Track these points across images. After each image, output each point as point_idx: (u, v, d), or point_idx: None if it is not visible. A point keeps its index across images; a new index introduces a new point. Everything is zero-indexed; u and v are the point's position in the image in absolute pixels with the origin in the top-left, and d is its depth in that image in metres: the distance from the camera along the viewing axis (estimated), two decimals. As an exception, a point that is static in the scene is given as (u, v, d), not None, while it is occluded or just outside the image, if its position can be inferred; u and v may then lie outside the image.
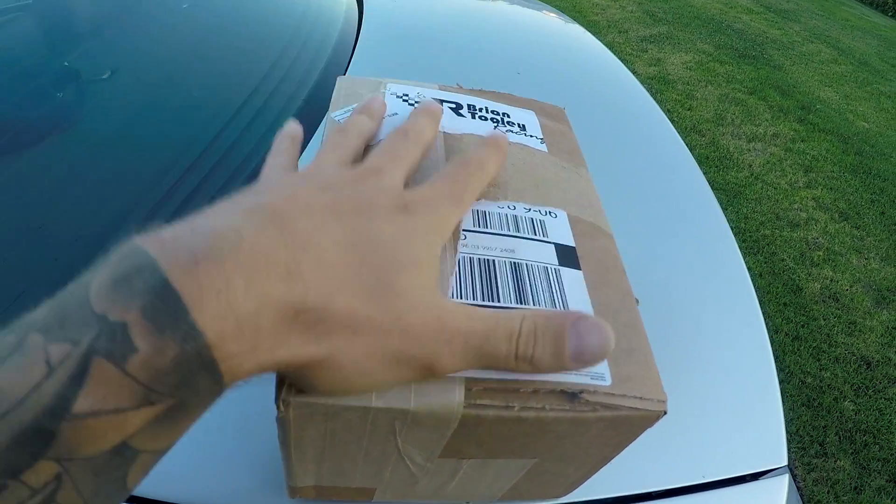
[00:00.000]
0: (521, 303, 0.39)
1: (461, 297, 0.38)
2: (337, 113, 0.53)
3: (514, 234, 0.44)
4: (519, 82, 1.18)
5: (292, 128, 0.45)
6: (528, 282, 0.41)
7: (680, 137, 1.19)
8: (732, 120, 3.79)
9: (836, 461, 1.93)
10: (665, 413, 0.38)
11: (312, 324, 0.29)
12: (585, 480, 0.51)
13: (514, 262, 0.42)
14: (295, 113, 0.97)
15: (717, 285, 0.87)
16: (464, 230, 0.43)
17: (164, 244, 0.27)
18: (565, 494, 0.55)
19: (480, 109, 0.57)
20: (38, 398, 0.25)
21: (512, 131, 0.55)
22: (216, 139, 0.88)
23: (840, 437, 2.00)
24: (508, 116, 0.57)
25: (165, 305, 0.25)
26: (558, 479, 0.50)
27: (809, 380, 2.17)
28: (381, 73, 0.59)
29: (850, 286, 2.61)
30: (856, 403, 2.12)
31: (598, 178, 0.55)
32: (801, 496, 1.81)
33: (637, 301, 0.45)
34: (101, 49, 1.06)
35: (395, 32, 1.31)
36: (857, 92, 4.65)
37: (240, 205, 0.30)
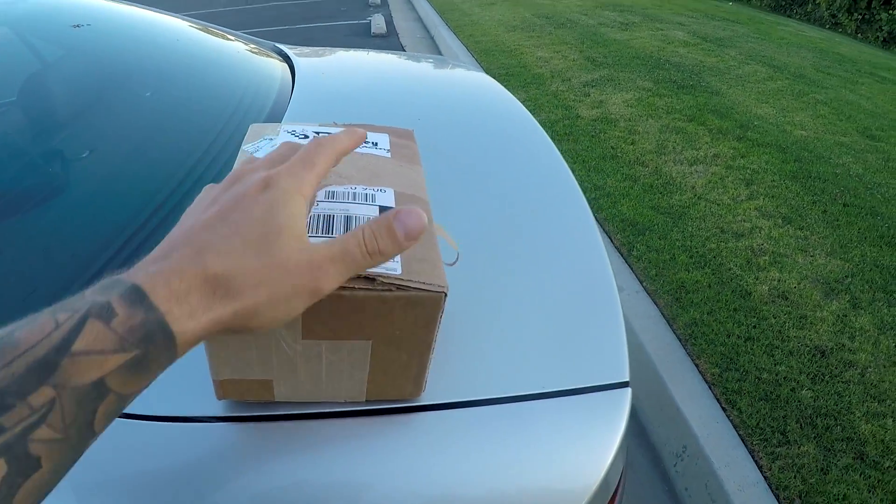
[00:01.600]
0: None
1: (317, 234, 0.60)
2: (247, 146, 0.77)
3: (352, 202, 0.66)
4: (418, 126, 1.37)
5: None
6: (353, 225, 0.62)
7: (559, 154, 1.35)
8: (674, 148, 3.94)
9: (799, 447, 2.00)
10: (445, 295, 0.58)
11: (226, 292, 0.46)
12: (423, 373, 0.68)
13: (347, 216, 0.64)
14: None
15: (569, 240, 1.06)
16: (318, 201, 0.65)
17: (129, 273, 0.44)
18: (418, 391, 0.71)
19: None
20: (49, 341, 0.39)
21: (366, 147, 0.78)
22: (172, 195, 1.07)
23: (801, 424, 2.07)
24: (365, 138, 0.77)
25: (134, 293, 0.42)
26: (400, 370, 0.67)
27: (765, 375, 2.25)
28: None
29: (798, 283, 2.72)
30: (813, 391, 2.20)
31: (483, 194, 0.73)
32: (769, 484, 1.90)
33: (458, 255, 0.73)
34: (81, 131, 1.26)
35: (320, 100, 1.52)
36: (794, 104, 4.82)
37: (169, 238, 0.48)
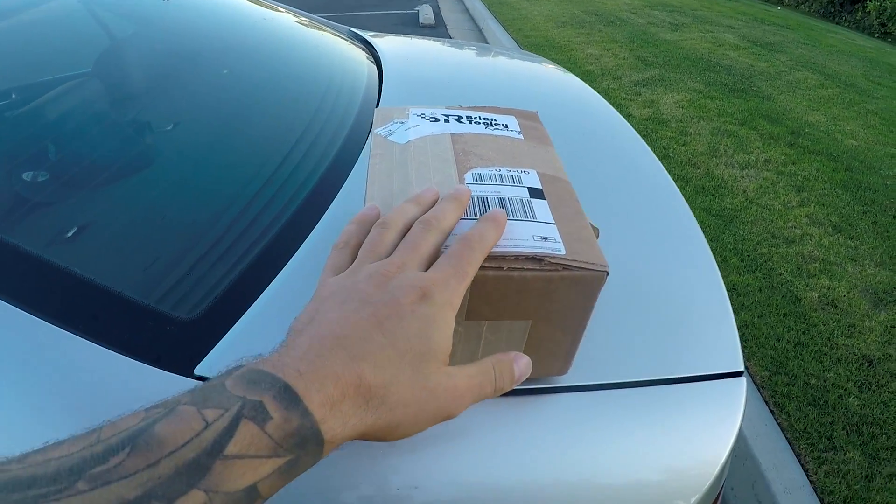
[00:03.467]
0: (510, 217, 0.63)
1: (466, 217, 0.62)
2: (380, 130, 0.80)
3: (500, 183, 0.69)
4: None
5: (341, 240, 0.61)
6: (508, 207, 0.65)
7: (660, 163, 1.39)
8: (725, 150, 3.97)
9: (845, 453, 2.03)
10: (607, 274, 0.60)
11: (377, 405, 0.46)
12: (574, 350, 0.71)
13: (500, 197, 0.66)
14: (331, 162, 1.15)
15: (671, 233, 1.10)
16: (468, 184, 0.68)
17: (275, 365, 0.44)
18: (567, 368, 0.74)
19: (475, 118, 0.83)
20: (199, 442, 0.38)
21: (498, 129, 0.81)
22: (264, 184, 1.07)
23: (847, 431, 2.10)
24: (495, 121, 0.84)
25: (288, 395, 0.42)
26: (553, 347, 0.70)
27: (813, 381, 2.29)
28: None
29: (848, 292, 2.75)
30: (860, 399, 2.23)
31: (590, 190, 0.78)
32: (814, 488, 1.94)
33: (596, 229, 0.71)
34: (165, 105, 1.29)
35: (410, 87, 1.54)
36: (845, 113, 4.82)
37: (314, 334, 0.47)
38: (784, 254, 2.98)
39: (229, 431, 0.39)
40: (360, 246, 0.58)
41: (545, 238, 0.60)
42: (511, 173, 0.71)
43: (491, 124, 0.83)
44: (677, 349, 0.84)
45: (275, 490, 0.42)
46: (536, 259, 0.58)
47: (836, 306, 2.67)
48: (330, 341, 0.46)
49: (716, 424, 0.78)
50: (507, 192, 0.67)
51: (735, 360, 0.84)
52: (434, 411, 0.50)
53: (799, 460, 2.01)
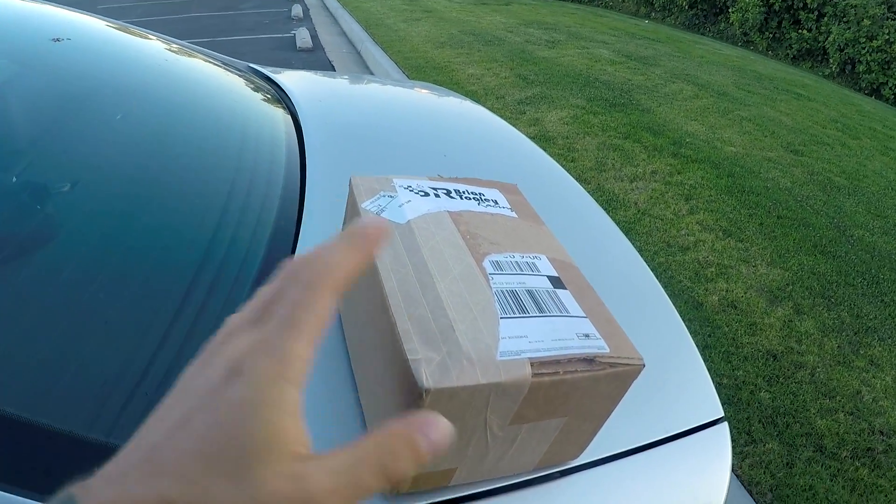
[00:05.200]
0: (541, 313, 0.63)
1: (506, 314, 0.61)
2: (366, 203, 0.74)
3: (519, 272, 0.68)
4: (446, 163, 1.39)
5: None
6: (539, 300, 0.64)
7: (576, 181, 1.39)
8: (613, 164, 4.06)
9: (764, 445, 2.13)
10: (644, 366, 0.61)
11: None
12: (593, 438, 0.71)
13: (528, 289, 0.66)
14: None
15: (631, 289, 1.11)
16: (490, 274, 0.67)
17: (92, 486, 0.34)
18: (580, 453, 0.74)
19: (463, 193, 0.82)
20: None
21: (489, 206, 0.80)
22: (182, 276, 0.92)
23: (764, 424, 2.21)
24: (483, 195, 0.83)
25: None
26: (578, 438, 0.70)
27: (725, 380, 2.38)
28: (333, 173, 0.81)
29: (745, 292, 2.86)
30: (770, 392, 2.34)
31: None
32: (741, 481, 1.99)
33: None
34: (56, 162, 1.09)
35: (333, 136, 1.45)
36: (721, 121, 5.03)
37: (136, 436, 0.36)
38: (681, 261, 3.06)
39: None
40: None
41: (587, 335, 0.61)
42: (525, 260, 0.71)
43: (482, 200, 0.82)
44: (662, 410, 0.86)
45: None
46: (587, 360, 0.58)
47: (736, 307, 2.77)
48: (142, 450, 0.35)
49: (710, 472, 0.80)
50: (531, 282, 0.67)
51: (714, 407, 0.87)
52: None
53: (725, 416, 2.07)
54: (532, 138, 4.36)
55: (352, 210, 0.76)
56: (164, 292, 0.88)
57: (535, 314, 0.62)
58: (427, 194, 0.79)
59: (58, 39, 1.54)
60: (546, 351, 0.56)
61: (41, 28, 1.57)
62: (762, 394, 2.34)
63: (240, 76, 1.77)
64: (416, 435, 0.36)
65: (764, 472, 2.03)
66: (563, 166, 3.85)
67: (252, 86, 1.73)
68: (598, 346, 0.60)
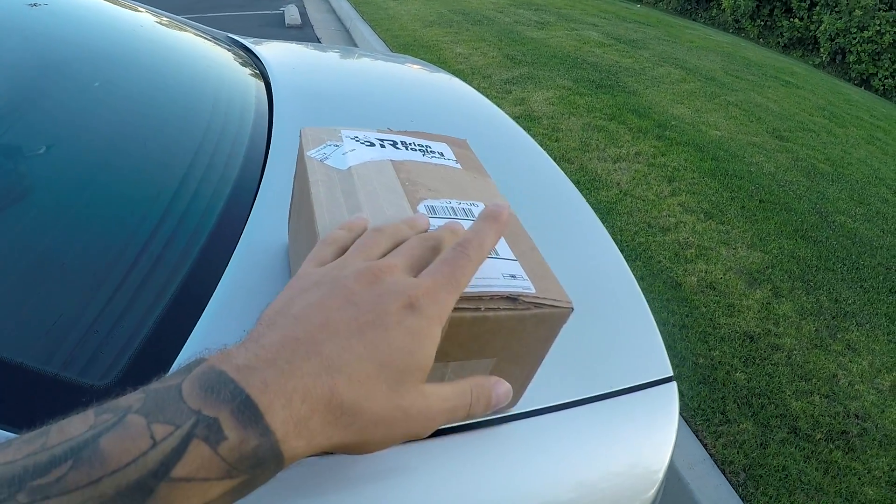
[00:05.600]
0: None
1: None
2: (311, 152, 0.74)
3: (454, 216, 0.66)
4: (412, 128, 1.37)
5: (329, 237, 0.56)
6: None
7: (551, 160, 1.37)
8: (597, 145, 4.04)
9: (738, 425, 2.12)
10: (572, 310, 0.59)
11: (348, 423, 0.41)
12: (527, 385, 0.70)
13: None
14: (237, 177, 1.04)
15: (584, 248, 1.09)
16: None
17: (239, 369, 0.39)
18: (515, 402, 0.72)
19: (410, 144, 0.80)
20: (145, 462, 0.34)
21: (434, 157, 0.79)
22: (158, 222, 0.93)
23: (738, 404, 2.20)
24: (430, 148, 0.81)
25: (248, 411, 0.37)
26: (511, 382, 0.67)
27: (701, 360, 2.37)
28: (297, 133, 0.79)
29: (724, 274, 2.85)
30: (746, 373, 2.34)
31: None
32: (715, 461, 1.99)
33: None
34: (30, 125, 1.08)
35: (302, 100, 1.44)
36: (707, 105, 5.01)
37: (287, 334, 0.42)
38: (661, 242, 3.04)
39: (178, 452, 0.35)
40: (348, 248, 0.54)
41: (514, 276, 0.59)
42: (462, 206, 0.70)
43: (427, 151, 0.80)
44: (608, 364, 0.84)
45: None
46: (511, 298, 0.57)
47: (715, 288, 2.76)
48: (305, 346, 0.41)
49: (655, 430, 0.78)
50: (464, 226, 0.65)
51: (663, 366, 0.85)
52: (404, 431, 0.45)
53: (696, 436, 2.09)
54: (517, 118, 4.37)
55: (300, 159, 0.76)
56: (129, 234, 0.91)
57: None
58: (373, 144, 0.78)
59: (35, 4, 1.51)
60: (468, 288, 0.53)
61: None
62: (738, 374, 2.33)
63: (216, 44, 1.76)
64: (493, 390, 0.52)
65: (737, 452, 2.02)
66: (546, 146, 3.86)
67: (228, 54, 1.71)
68: (523, 286, 0.58)
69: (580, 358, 0.83)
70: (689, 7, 11.21)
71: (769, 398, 2.24)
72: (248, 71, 1.59)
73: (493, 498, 0.69)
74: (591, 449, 0.74)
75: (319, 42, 7.01)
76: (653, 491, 0.74)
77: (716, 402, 2.21)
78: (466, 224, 0.64)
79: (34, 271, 0.81)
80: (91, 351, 0.72)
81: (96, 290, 0.80)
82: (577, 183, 3.48)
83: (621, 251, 2.70)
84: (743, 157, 4.05)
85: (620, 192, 3.49)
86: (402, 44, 6.52)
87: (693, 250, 2.99)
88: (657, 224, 3.19)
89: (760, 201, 3.50)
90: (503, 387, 0.52)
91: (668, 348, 2.36)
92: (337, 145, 0.77)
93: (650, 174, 3.70)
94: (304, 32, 7.59)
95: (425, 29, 7.15)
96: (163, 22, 1.80)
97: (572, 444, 0.74)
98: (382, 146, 0.78)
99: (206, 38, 1.79)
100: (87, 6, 1.68)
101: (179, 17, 1.96)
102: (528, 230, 0.98)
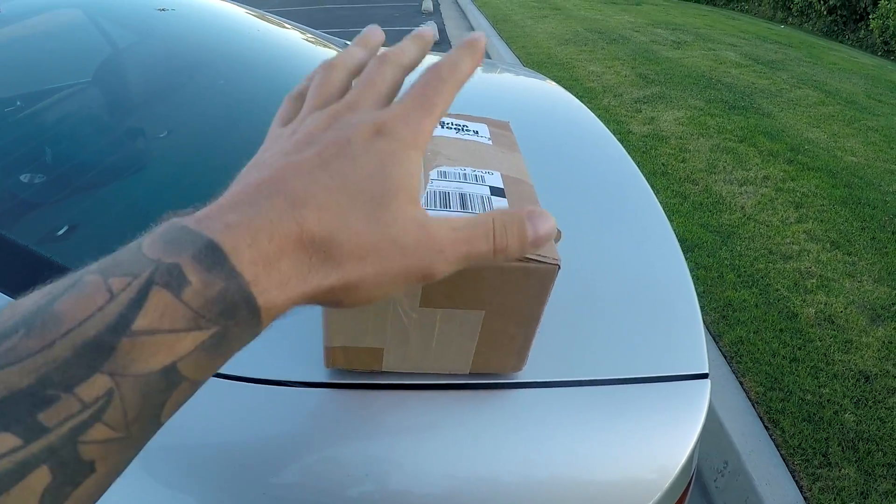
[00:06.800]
0: (464, 209, 0.65)
1: (435, 208, 0.64)
2: None
3: (463, 181, 0.70)
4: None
5: (294, 90, 0.51)
6: (469, 203, 0.66)
7: (628, 156, 1.41)
8: (724, 167, 3.98)
9: (840, 469, 2.02)
10: (559, 267, 0.62)
11: (325, 259, 0.37)
12: (528, 346, 0.73)
13: (461, 193, 0.68)
14: None
15: (647, 239, 1.13)
16: (431, 179, 0.70)
17: (199, 220, 0.35)
18: (521, 366, 0.76)
19: (447, 123, 0.85)
20: (102, 317, 0.31)
21: (468, 134, 0.83)
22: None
23: (843, 447, 2.10)
24: (466, 127, 0.86)
25: (210, 253, 0.33)
26: (507, 342, 0.72)
27: (809, 397, 2.28)
28: None
29: (845, 308, 2.74)
30: (856, 415, 2.22)
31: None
32: (803, 497, 1.93)
33: (559, 232, 0.72)
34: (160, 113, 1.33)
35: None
36: (845, 130, 4.82)
37: (249, 181, 0.39)
38: (781, 269, 2.97)
39: (137, 302, 0.32)
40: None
41: None
42: (475, 173, 0.73)
43: (462, 130, 0.85)
44: (644, 350, 0.86)
45: (203, 371, 0.35)
46: None
47: (833, 322, 2.67)
48: (266, 187, 0.38)
49: (677, 425, 0.78)
50: (469, 189, 0.69)
51: (700, 362, 0.85)
52: (402, 268, 0.40)
53: (793, 476, 2.01)
54: (644, 137, 4.38)
55: None
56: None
57: (455, 210, 0.65)
58: None
59: (163, 9, 1.68)
60: None
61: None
62: (847, 415, 2.23)
63: (330, 48, 1.93)
64: (527, 220, 0.44)
65: (834, 499, 1.94)
66: (672, 166, 3.87)
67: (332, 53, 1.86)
68: None
69: (616, 339, 0.87)
70: (836, 28, 10.78)
71: (878, 444, 2.12)
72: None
73: (496, 458, 0.73)
74: (605, 430, 0.76)
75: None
76: (664, 487, 0.74)
77: (819, 442, 2.12)
78: (472, 187, 0.69)
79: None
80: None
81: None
82: (700, 205, 3.49)
83: (738, 276, 2.69)
84: (879, 185, 3.89)
85: (744, 215, 3.43)
86: (536, 61, 6.57)
87: (814, 280, 2.91)
88: (779, 251, 3.12)
89: (894, 232, 3.35)
90: (542, 217, 0.44)
91: (775, 381, 2.35)
92: None
93: (777, 199, 3.61)
94: (439, 48, 7.71)
95: (560, 47, 7.17)
96: (274, 24, 1.99)
97: (584, 424, 0.76)
98: None
99: (320, 43, 1.96)
100: (210, 11, 1.88)
101: (292, 22, 2.14)
102: (595, 220, 1.09)
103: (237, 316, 0.34)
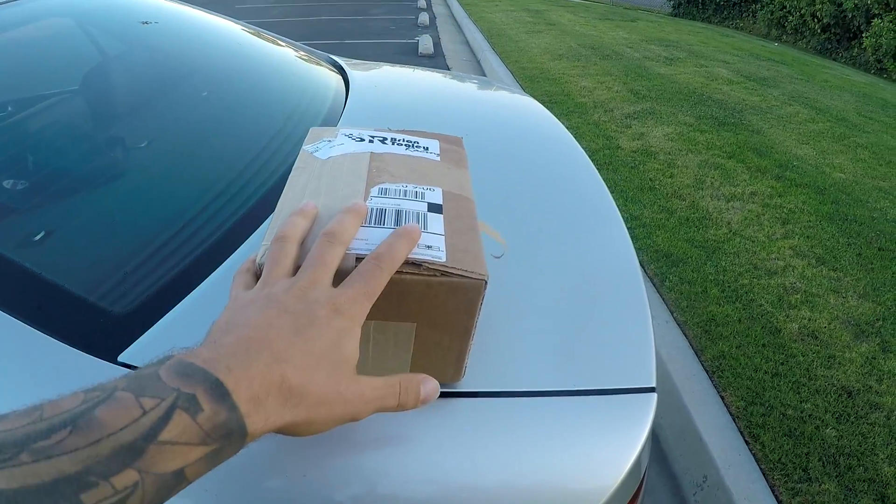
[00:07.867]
0: (396, 226, 0.66)
1: (370, 225, 0.66)
2: (308, 147, 0.84)
3: (402, 198, 0.72)
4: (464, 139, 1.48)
5: (244, 266, 0.67)
6: (403, 220, 0.68)
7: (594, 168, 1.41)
8: (712, 183, 3.98)
9: (820, 485, 2.01)
10: (486, 283, 0.64)
11: (296, 402, 0.51)
12: (464, 358, 0.74)
13: (398, 210, 0.70)
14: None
15: (602, 252, 1.13)
16: (371, 196, 0.72)
17: (206, 360, 0.48)
18: (458, 376, 0.76)
19: (398, 140, 0.87)
20: (137, 427, 0.42)
21: (418, 151, 0.85)
22: (212, 197, 1.14)
23: (824, 462, 2.08)
24: (418, 143, 0.87)
25: (218, 390, 0.46)
26: (442, 353, 0.73)
27: (790, 412, 2.27)
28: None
29: (829, 323, 2.73)
30: (838, 430, 2.21)
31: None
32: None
33: (505, 247, 0.81)
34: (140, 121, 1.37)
35: (372, 111, 1.61)
36: (834, 146, 4.83)
37: (241, 335, 0.52)
38: (765, 285, 2.97)
39: (164, 419, 0.43)
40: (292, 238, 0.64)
41: (429, 247, 0.64)
42: (416, 189, 0.75)
43: (413, 146, 0.86)
44: (590, 362, 0.85)
45: (199, 475, 0.46)
46: (415, 264, 0.62)
47: (817, 337, 2.66)
48: (257, 343, 0.52)
49: (619, 437, 0.78)
50: (407, 205, 0.71)
51: (647, 376, 0.85)
52: (342, 413, 0.56)
53: (773, 491, 2.00)
54: (634, 153, 4.39)
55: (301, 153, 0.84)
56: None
57: (388, 227, 0.66)
58: (362, 140, 0.86)
59: (146, 22, 1.70)
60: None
61: (132, 13, 1.75)
62: (828, 430, 2.22)
63: (308, 61, 1.97)
64: (421, 385, 0.63)
65: None
66: (660, 182, 3.86)
67: (318, 70, 1.88)
68: (434, 255, 0.63)
69: (567, 351, 0.87)
70: (830, 46, 10.84)
71: (859, 460, 2.11)
72: (331, 85, 1.75)
73: (433, 465, 0.73)
74: (542, 441, 0.75)
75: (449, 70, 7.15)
76: (602, 501, 0.74)
77: (799, 457, 2.11)
78: (411, 204, 0.71)
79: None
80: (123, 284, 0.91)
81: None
82: (686, 220, 3.49)
83: (721, 291, 2.68)
84: (866, 201, 3.89)
85: (730, 231, 3.43)
86: (529, 76, 6.60)
87: (798, 296, 2.90)
88: (764, 266, 3.11)
89: (880, 249, 3.35)
90: (431, 383, 0.64)
91: (756, 396, 2.34)
92: (330, 141, 0.86)
93: (764, 215, 3.61)
94: (434, 61, 7.79)
95: (553, 62, 7.21)
96: (256, 36, 2.04)
97: (522, 433, 0.76)
98: (371, 141, 0.85)
99: (301, 56, 1.99)
100: (192, 25, 1.92)
101: (273, 34, 2.16)
102: (551, 230, 1.11)
103: (232, 438, 0.47)
